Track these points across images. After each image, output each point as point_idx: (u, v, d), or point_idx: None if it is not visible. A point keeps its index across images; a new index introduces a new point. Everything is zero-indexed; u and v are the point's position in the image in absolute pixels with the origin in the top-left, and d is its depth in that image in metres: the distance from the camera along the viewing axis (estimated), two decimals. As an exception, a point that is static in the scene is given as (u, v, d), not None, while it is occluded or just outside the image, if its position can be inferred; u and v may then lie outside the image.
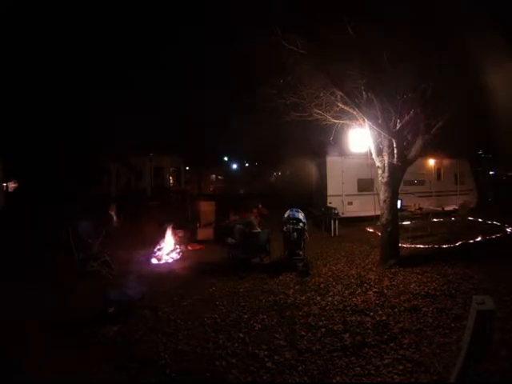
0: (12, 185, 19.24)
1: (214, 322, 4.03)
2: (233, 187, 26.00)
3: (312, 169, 13.54)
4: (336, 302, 4.53)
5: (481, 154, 24.45)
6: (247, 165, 38.98)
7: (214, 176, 26.67)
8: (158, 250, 7.00)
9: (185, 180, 23.58)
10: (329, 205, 10.64)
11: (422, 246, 7.74)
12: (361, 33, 5.06)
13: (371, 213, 10.56)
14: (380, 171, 6.21)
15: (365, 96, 5.75)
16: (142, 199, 17.23)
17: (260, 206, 8.96)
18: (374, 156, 6.32)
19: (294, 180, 20.24)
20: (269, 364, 3.12)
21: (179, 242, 7.64)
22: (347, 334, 3.63)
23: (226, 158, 36.19)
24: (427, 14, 4.90)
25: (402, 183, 6.53)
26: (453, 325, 3.75)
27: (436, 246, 7.68)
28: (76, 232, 6.09)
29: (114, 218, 8.86)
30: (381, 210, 6.38)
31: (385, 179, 6.12)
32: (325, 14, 5.11)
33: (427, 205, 11.05)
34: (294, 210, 6.55)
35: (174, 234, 7.64)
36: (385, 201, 6.14)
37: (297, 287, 5.18)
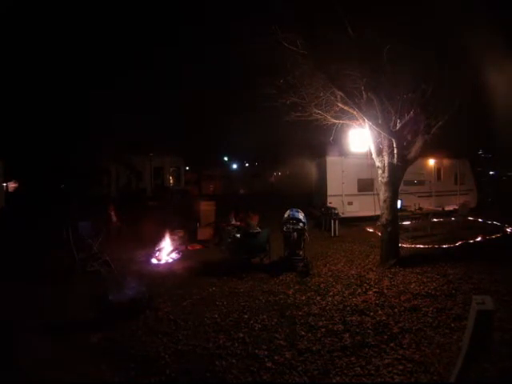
0: (12, 185, 19.27)
1: (213, 322, 4.03)
2: (233, 187, 25.97)
3: (312, 169, 13.54)
4: (336, 302, 4.53)
5: (481, 154, 24.48)
6: (247, 165, 39.00)
7: (214, 176, 26.68)
8: (158, 250, 7.00)
9: (185, 180, 23.60)
10: (329, 205, 10.64)
11: (421, 246, 7.74)
12: (361, 33, 5.06)
13: (371, 213, 10.59)
14: (380, 171, 6.21)
15: (365, 96, 5.74)
16: (141, 199, 17.23)
17: (249, 212, 7.80)
18: (374, 156, 6.32)
19: (294, 180, 20.25)
20: (269, 364, 3.11)
21: (179, 241, 7.64)
22: (347, 334, 3.62)
23: (226, 158, 36.25)
24: (427, 14, 4.91)
25: (402, 183, 6.53)
26: (453, 325, 3.76)
27: (436, 246, 7.68)
28: (76, 232, 6.09)
29: (114, 218, 8.84)
30: (381, 210, 6.38)
31: (385, 179, 6.12)
32: (324, 13, 5.11)
33: (427, 205, 11.06)
34: (294, 210, 6.55)
35: (174, 233, 7.64)
36: (385, 201, 6.14)
37: (297, 287, 5.17)
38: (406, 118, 5.80)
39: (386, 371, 2.95)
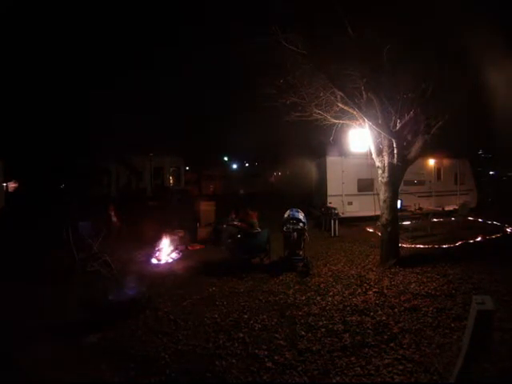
0: (12, 185, 19.28)
1: (213, 322, 4.03)
2: (233, 187, 25.96)
3: (312, 169, 13.55)
4: (336, 302, 4.53)
5: (481, 154, 24.52)
6: (247, 165, 39.03)
7: (214, 176, 26.69)
8: (158, 250, 7.00)
9: (185, 180, 23.61)
10: (329, 205, 10.65)
11: (422, 246, 7.74)
12: (361, 33, 5.06)
13: (371, 213, 10.60)
14: (380, 171, 6.21)
15: (365, 96, 5.74)
16: (141, 199, 17.24)
17: (247, 209, 7.65)
18: (374, 156, 6.32)
19: (294, 180, 20.24)
20: (269, 364, 3.11)
21: (179, 241, 7.64)
22: (347, 334, 3.62)
23: (226, 158, 36.27)
24: (427, 14, 4.90)
25: (402, 183, 6.53)
26: (453, 325, 3.75)
27: (436, 246, 7.68)
28: (76, 232, 6.10)
29: (114, 218, 8.84)
30: (381, 210, 6.38)
31: (385, 179, 6.12)
32: (324, 13, 5.11)
33: (427, 205, 11.06)
34: (294, 210, 6.55)
35: (174, 233, 7.64)
36: (385, 201, 6.14)
37: (297, 287, 5.17)
38: (406, 118, 5.80)
39: (386, 371, 2.95)
